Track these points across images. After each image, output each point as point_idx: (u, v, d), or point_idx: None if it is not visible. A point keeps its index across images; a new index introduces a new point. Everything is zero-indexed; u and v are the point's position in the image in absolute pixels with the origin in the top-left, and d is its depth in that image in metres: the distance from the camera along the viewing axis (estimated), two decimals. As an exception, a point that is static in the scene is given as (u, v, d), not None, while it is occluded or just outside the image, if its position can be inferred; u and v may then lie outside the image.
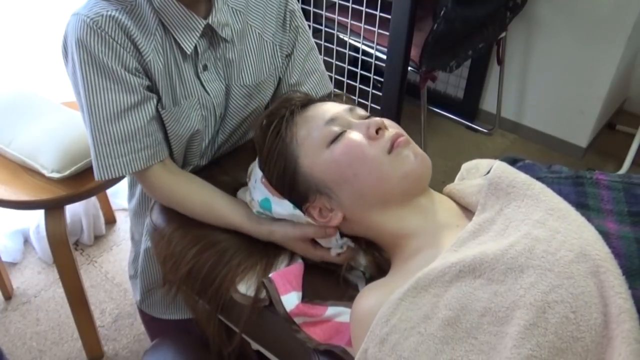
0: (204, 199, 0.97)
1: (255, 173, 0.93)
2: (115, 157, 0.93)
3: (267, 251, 0.94)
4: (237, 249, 0.94)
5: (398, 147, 0.81)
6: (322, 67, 1.18)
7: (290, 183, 0.86)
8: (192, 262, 0.91)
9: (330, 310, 0.85)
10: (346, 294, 0.88)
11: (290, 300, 0.85)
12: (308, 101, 0.92)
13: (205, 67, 1.00)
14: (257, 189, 0.91)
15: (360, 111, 0.89)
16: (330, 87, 1.19)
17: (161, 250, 0.98)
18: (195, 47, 0.97)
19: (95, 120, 0.91)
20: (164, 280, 0.97)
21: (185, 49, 0.95)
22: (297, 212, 0.88)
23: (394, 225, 0.83)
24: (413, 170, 0.81)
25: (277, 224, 0.92)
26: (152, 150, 0.96)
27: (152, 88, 0.96)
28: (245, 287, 0.90)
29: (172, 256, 0.94)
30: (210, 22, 0.96)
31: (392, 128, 0.85)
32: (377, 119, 0.85)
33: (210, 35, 0.99)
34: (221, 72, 1.03)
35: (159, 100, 0.97)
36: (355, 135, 0.83)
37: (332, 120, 0.85)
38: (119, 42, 0.89)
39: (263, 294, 0.88)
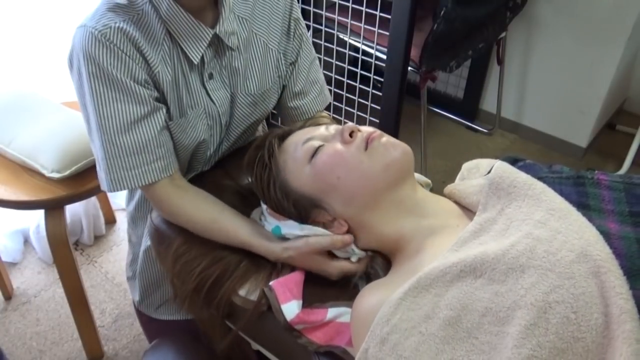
0: (210, 216, 0.95)
1: (262, 207, 0.96)
2: (128, 169, 0.92)
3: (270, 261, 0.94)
4: (240, 261, 0.94)
5: (373, 141, 0.84)
6: (323, 76, 1.20)
7: (289, 207, 0.88)
8: (198, 279, 0.91)
9: (331, 312, 0.85)
10: (346, 293, 0.88)
11: (291, 309, 0.85)
12: (286, 133, 0.96)
13: (210, 76, 1.00)
14: (267, 220, 0.93)
15: (337, 126, 0.92)
16: (329, 97, 1.21)
17: (168, 269, 0.98)
18: (202, 57, 0.96)
19: (106, 132, 0.90)
20: (174, 296, 0.97)
21: (192, 59, 0.95)
22: (306, 225, 0.89)
23: (392, 228, 0.84)
24: (393, 159, 0.83)
25: (289, 241, 0.90)
26: (165, 161, 0.95)
27: (161, 99, 0.95)
28: (245, 291, 0.90)
29: (179, 275, 0.95)
30: (217, 31, 0.95)
31: (366, 129, 0.88)
32: (350, 124, 0.88)
33: (217, 44, 0.98)
34: (226, 81, 1.02)
35: (167, 111, 0.96)
36: (332, 145, 0.86)
37: (309, 139, 0.89)
38: (128, 54, 0.88)
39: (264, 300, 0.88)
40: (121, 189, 0.93)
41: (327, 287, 0.89)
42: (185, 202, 0.97)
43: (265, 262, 0.93)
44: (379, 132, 0.86)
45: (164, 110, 0.95)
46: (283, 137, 0.95)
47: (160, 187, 0.96)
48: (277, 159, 0.91)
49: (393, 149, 0.84)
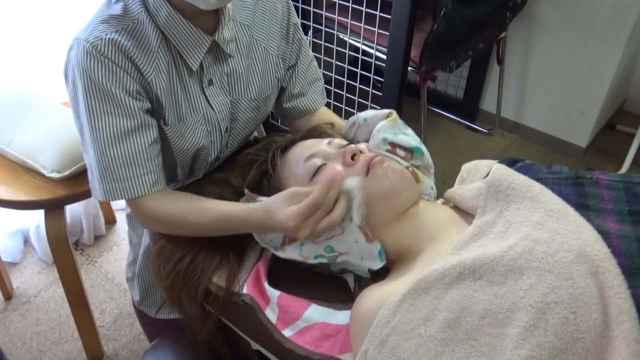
0: (191, 205, 0.95)
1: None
2: (119, 181, 0.92)
3: (238, 244, 0.95)
4: (207, 250, 0.95)
5: (373, 167, 0.85)
6: (321, 75, 1.20)
7: None
8: (173, 274, 0.93)
9: (315, 309, 0.85)
10: (335, 296, 0.88)
11: (272, 309, 0.87)
12: (289, 143, 0.97)
13: (210, 82, 1.00)
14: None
15: (339, 141, 0.93)
16: (325, 97, 1.22)
17: (153, 268, 1.01)
18: (201, 63, 0.97)
19: (97, 143, 0.91)
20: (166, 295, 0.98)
21: (191, 65, 0.95)
22: None
23: (391, 242, 0.85)
24: (391, 186, 0.84)
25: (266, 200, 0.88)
26: (155, 175, 0.95)
27: (154, 110, 0.96)
28: (217, 278, 0.92)
29: (159, 272, 0.96)
30: (216, 38, 0.96)
31: (368, 152, 0.89)
32: (352, 145, 0.88)
33: (216, 50, 0.99)
34: (226, 87, 1.03)
35: (162, 117, 0.96)
36: (333, 166, 0.87)
37: (311, 156, 0.89)
38: (119, 65, 0.89)
39: (236, 287, 0.90)
40: (114, 199, 0.94)
41: (314, 289, 0.90)
42: (166, 203, 0.96)
43: (231, 243, 0.94)
44: (380, 157, 0.87)
45: (155, 125, 0.95)
46: (286, 148, 0.96)
47: (147, 200, 0.95)
48: (278, 172, 0.92)
49: (393, 175, 0.85)
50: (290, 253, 0.88)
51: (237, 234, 0.92)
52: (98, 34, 0.88)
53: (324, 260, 0.86)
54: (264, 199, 0.89)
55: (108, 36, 0.88)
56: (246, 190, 0.96)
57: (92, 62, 0.87)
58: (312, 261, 0.87)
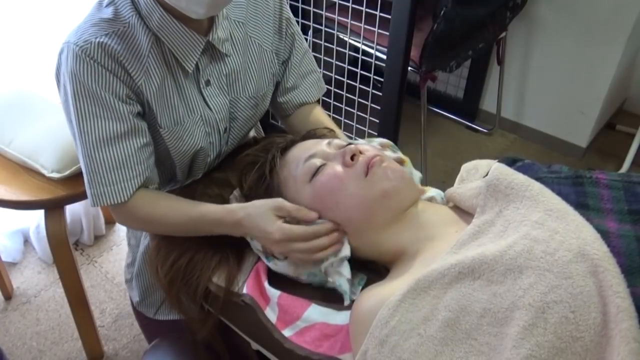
0: (172, 203, 0.95)
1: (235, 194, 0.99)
2: (108, 185, 0.92)
3: (237, 244, 0.95)
4: (206, 250, 0.95)
5: (372, 167, 0.84)
6: (317, 67, 1.19)
7: None
8: (171, 272, 0.93)
9: (315, 309, 0.85)
10: (330, 294, 0.88)
11: (272, 309, 0.87)
12: (289, 144, 0.97)
13: (208, 83, 1.00)
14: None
15: (339, 142, 0.92)
16: (325, 87, 1.21)
17: (150, 268, 1.01)
18: (197, 64, 0.97)
19: (86, 147, 0.91)
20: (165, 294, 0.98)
21: (187, 67, 0.95)
22: None
23: (390, 242, 0.85)
24: (391, 186, 0.84)
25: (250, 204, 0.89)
26: (143, 178, 0.95)
27: (145, 113, 0.95)
28: (217, 277, 0.92)
29: (157, 271, 0.97)
30: (210, 39, 0.95)
31: (368, 152, 0.88)
32: (352, 146, 0.88)
33: (211, 51, 0.98)
34: (225, 86, 1.03)
35: (155, 121, 0.96)
36: (333, 166, 0.86)
37: (311, 156, 0.89)
38: (109, 69, 0.88)
39: (236, 287, 0.90)
40: (103, 204, 0.93)
41: (314, 289, 0.91)
42: (147, 202, 0.96)
43: (229, 244, 0.94)
44: (379, 156, 0.87)
45: (146, 128, 0.95)
46: (285, 149, 0.95)
47: (132, 201, 0.94)
48: (277, 173, 0.92)
49: (392, 174, 0.85)
50: (281, 268, 0.90)
51: (215, 234, 0.93)
52: (88, 37, 0.88)
53: (316, 280, 0.89)
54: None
55: (98, 40, 0.88)
56: (236, 190, 0.97)
57: (81, 66, 0.87)
58: (304, 278, 0.89)
